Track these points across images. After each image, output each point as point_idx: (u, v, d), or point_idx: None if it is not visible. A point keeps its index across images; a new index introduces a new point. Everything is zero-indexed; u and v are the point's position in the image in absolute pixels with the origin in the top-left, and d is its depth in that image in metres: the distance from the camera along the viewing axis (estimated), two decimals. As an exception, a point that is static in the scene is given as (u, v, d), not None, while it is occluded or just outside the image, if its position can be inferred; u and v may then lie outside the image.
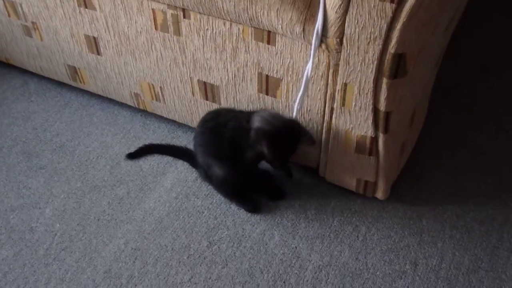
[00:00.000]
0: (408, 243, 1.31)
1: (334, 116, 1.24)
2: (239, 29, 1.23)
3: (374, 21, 1.05)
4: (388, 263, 1.27)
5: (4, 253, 1.31)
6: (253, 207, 1.37)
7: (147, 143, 1.53)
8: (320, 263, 1.27)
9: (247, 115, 1.27)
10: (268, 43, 1.22)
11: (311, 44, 1.13)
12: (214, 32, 1.26)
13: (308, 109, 1.29)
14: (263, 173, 1.43)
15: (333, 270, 1.26)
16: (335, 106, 1.22)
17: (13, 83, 1.76)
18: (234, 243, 1.32)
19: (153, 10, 1.30)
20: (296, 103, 1.25)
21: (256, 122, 1.24)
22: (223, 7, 1.18)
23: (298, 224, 1.35)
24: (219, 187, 1.39)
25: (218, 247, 1.31)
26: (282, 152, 1.26)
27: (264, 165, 1.48)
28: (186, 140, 1.55)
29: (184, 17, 1.28)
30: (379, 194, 1.35)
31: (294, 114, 1.27)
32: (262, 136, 1.22)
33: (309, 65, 1.16)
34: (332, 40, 1.11)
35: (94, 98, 1.69)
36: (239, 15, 1.18)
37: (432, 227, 1.34)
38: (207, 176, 1.39)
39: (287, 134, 1.23)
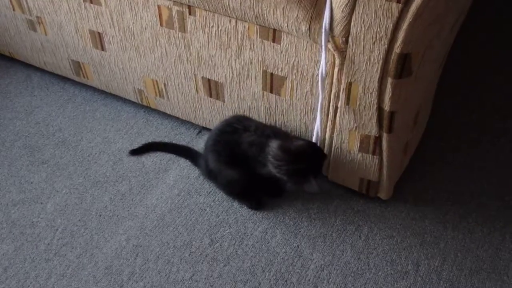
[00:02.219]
0: (411, 243, 1.30)
1: (338, 115, 1.24)
2: (244, 26, 1.23)
3: (380, 20, 1.04)
4: (390, 263, 1.27)
5: (4, 248, 1.31)
6: (257, 204, 1.37)
7: (150, 140, 1.53)
8: (322, 262, 1.27)
9: (265, 140, 1.27)
10: (274, 41, 1.22)
11: (320, 41, 1.13)
12: (219, 29, 1.26)
13: (312, 108, 1.28)
14: None
15: (335, 270, 1.26)
16: (339, 105, 1.22)
17: (16, 77, 1.75)
18: (236, 241, 1.31)
19: (158, 6, 1.30)
20: (315, 128, 1.27)
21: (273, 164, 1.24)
22: (229, 4, 1.18)
23: (300, 223, 1.35)
24: (226, 187, 1.38)
25: (220, 245, 1.31)
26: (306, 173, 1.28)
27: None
28: (189, 137, 1.55)
29: (189, 14, 1.27)
30: (382, 194, 1.35)
31: (314, 139, 1.29)
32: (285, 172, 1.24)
33: (322, 63, 1.16)
34: (337, 39, 1.10)
35: (98, 94, 1.69)
36: (245, 13, 1.18)
37: (434, 227, 1.33)
38: (211, 176, 1.38)
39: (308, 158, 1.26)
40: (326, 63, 1.16)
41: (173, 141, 1.54)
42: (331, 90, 1.22)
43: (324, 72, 1.17)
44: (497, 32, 1.91)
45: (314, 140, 1.30)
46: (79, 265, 1.27)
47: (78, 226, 1.35)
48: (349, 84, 1.17)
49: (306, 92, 1.26)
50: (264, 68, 1.28)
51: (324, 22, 1.09)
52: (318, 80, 1.20)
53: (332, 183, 1.41)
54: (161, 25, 1.33)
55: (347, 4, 1.06)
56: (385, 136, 1.22)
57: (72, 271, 1.26)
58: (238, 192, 1.38)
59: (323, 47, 1.12)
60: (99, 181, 1.45)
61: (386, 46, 1.07)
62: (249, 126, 1.30)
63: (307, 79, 1.24)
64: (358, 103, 1.18)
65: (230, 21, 1.24)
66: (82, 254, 1.29)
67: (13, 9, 1.56)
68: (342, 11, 1.07)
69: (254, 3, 1.15)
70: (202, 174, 1.43)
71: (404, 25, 1.03)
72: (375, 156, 1.26)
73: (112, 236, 1.33)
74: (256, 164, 1.27)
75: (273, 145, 1.24)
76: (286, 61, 1.23)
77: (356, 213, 1.37)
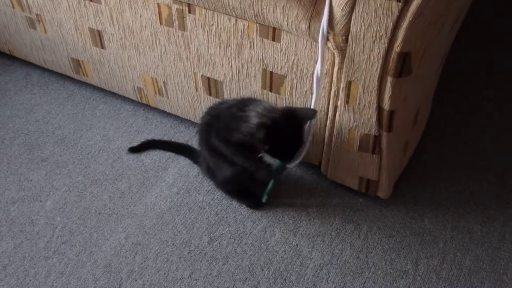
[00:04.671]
0: (410, 242, 1.30)
1: (337, 114, 1.24)
2: (244, 25, 1.23)
3: (380, 19, 1.04)
4: (389, 263, 1.27)
5: (4, 245, 1.31)
6: (255, 203, 1.37)
7: (149, 138, 1.53)
8: (321, 261, 1.27)
9: (240, 102, 1.25)
10: (273, 39, 1.21)
11: (317, 42, 1.13)
12: (219, 27, 1.26)
13: (312, 107, 1.28)
14: None
15: (334, 269, 1.26)
16: (339, 104, 1.22)
17: (16, 75, 1.75)
18: (235, 239, 1.31)
19: (158, 4, 1.30)
20: (313, 101, 1.23)
21: (254, 118, 1.19)
22: (228, 3, 1.18)
23: (299, 222, 1.35)
24: (223, 185, 1.38)
25: (219, 243, 1.31)
26: (288, 148, 1.22)
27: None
28: (188, 135, 1.55)
29: (189, 12, 1.27)
30: (381, 193, 1.35)
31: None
32: (264, 135, 1.17)
33: (318, 66, 1.15)
34: (337, 37, 1.10)
35: (97, 92, 1.69)
36: (244, 11, 1.18)
37: (433, 227, 1.33)
38: (209, 173, 1.38)
39: (290, 125, 1.19)
40: (323, 60, 1.15)
41: (173, 140, 1.54)
42: (330, 89, 1.21)
43: (320, 70, 1.16)
44: (497, 32, 1.91)
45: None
46: (78, 263, 1.27)
47: (78, 224, 1.35)
48: (349, 83, 1.16)
49: (306, 91, 1.26)
50: (264, 66, 1.27)
51: (322, 20, 1.09)
52: (315, 70, 1.18)
53: (331, 182, 1.41)
54: (160, 23, 1.33)
55: (347, 3, 1.05)
56: (384, 135, 1.22)
57: (71, 269, 1.26)
58: (235, 189, 1.37)
59: (320, 45, 1.12)
60: (98, 179, 1.45)
61: (386, 45, 1.07)
62: (224, 101, 1.32)
63: (306, 78, 1.24)
64: (357, 102, 1.18)
65: (229, 20, 1.23)
66: (81, 252, 1.29)
67: (13, 7, 1.56)
68: (342, 9, 1.06)
69: (254, 2, 1.15)
70: (203, 173, 1.43)
71: (404, 24, 1.03)
72: (374, 155, 1.26)
73: (111, 234, 1.33)
74: (232, 133, 1.23)
75: (254, 112, 1.20)
76: (285, 60, 1.23)
77: (355, 212, 1.37)
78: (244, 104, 1.24)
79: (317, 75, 1.17)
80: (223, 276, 1.25)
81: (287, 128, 1.19)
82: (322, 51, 1.13)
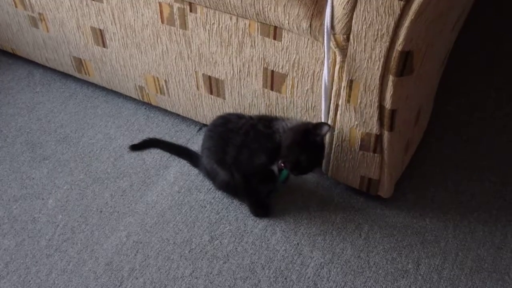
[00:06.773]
0: (411, 242, 1.30)
1: (339, 113, 1.23)
2: (245, 24, 1.23)
3: (381, 18, 1.04)
4: (390, 262, 1.26)
5: (6, 243, 1.31)
6: (263, 211, 1.36)
7: (151, 137, 1.53)
8: (322, 260, 1.27)
9: (264, 120, 1.27)
10: (274, 38, 1.21)
11: (319, 41, 1.13)
12: (220, 26, 1.26)
13: (313, 106, 1.28)
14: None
15: (335, 268, 1.26)
16: (340, 102, 1.21)
17: (18, 74, 1.76)
18: (236, 238, 1.31)
19: (159, 3, 1.30)
20: (322, 112, 1.24)
21: (287, 128, 1.24)
22: (230, 1, 1.18)
23: (300, 221, 1.35)
24: (222, 189, 1.38)
25: (220, 242, 1.31)
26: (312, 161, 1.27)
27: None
28: (189, 134, 1.55)
29: (190, 11, 1.27)
30: (383, 192, 1.35)
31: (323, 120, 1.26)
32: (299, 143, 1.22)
33: (325, 72, 1.16)
34: (339, 36, 1.10)
35: (99, 90, 1.69)
36: (245, 10, 1.18)
37: (435, 226, 1.33)
38: (210, 176, 1.38)
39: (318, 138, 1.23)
40: (329, 63, 1.15)
41: (174, 138, 1.54)
42: (331, 88, 1.21)
43: (327, 76, 1.16)
44: (498, 31, 1.90)
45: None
46: (79, 261, 1.28)
47: (79, 222, 1.35)
48: (350, 82, 1.16)
49: (307, 90, 1.26)
50: (265, 65, 1.27)
51: (325, 21, 1.09)
52: (322, 78, 1.19)
53: (332, 181, 1.40)
54: (162, 22, 1.33)
55: (348, 1, 1.05)
56: (386, 134, 1.22)
57: (73, 267, 1.27)
58: (234, 194, 1.37)
59: (326, 46, 1.11)
60: (100, 178, 1.45)
61: (387, 43, 1.07)
62: (242, 115, 1.32)
63: (307, 77, 1.24)
64: (359, 101, 1.18)
65: (231, 18, 1.23)
66: (82, 250, 1.30)
67: (15, 6, 1.56)
68: (343, 8, 1.06)
69: (255, 0, 1.15)
70: (202, 174, 1.43)
71: (406, 23, 1.03)
72: (376, 154, 1.26)
73: (112, 232, 1.33)
74: (256, 153, 1.26)
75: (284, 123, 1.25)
76: (287, 59, 1.23)
77: (356, 211, 1.36)
78: (268, 120, 1.27)
79: (325, 83, 1.17)
80: (223, 274, 1.25)
81: (316, 141, 1.22)
82: (328, 54, 1.12)
